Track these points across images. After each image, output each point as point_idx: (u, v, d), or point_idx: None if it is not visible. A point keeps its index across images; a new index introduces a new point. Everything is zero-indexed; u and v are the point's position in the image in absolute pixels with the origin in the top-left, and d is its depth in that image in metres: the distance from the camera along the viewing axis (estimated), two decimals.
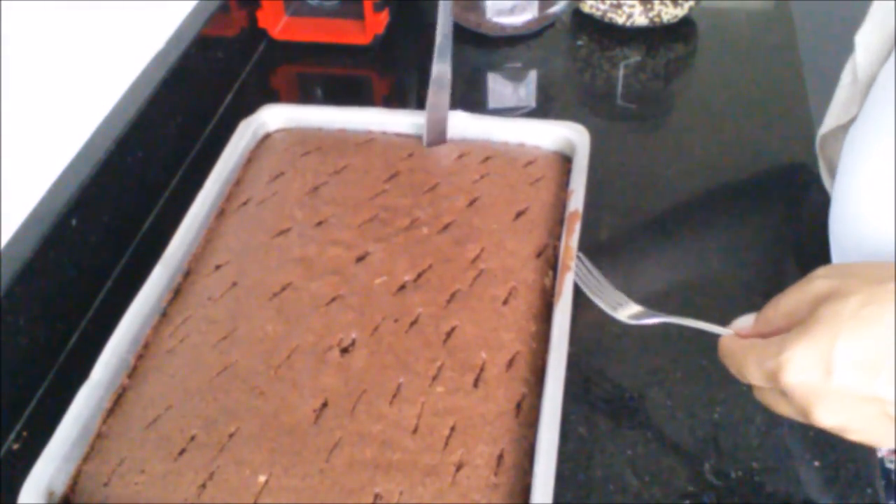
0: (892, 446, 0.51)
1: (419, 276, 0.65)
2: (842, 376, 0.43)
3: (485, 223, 0.68)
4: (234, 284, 0.65)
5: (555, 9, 0.99)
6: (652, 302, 0.69)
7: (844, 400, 0.44)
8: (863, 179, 0.60)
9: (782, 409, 0.48)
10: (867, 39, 0.62)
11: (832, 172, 0.69)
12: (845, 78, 0.65)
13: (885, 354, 0.43)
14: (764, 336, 0.49)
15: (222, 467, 0.54)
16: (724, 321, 0.67)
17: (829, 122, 0.67)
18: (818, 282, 0.46)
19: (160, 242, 0.67)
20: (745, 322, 0.52)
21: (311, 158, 0.76)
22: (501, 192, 0.71)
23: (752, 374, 0.48)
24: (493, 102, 0.92)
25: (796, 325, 0.46)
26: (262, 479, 0.53)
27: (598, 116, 0.89)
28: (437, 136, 0.76)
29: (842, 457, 0.58)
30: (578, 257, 0.64)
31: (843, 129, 0.66)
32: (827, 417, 0.45)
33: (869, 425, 0.45)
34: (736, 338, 0.51)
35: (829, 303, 0.44)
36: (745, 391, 0.62)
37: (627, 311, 0.61)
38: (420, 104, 0.93)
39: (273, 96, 0.83)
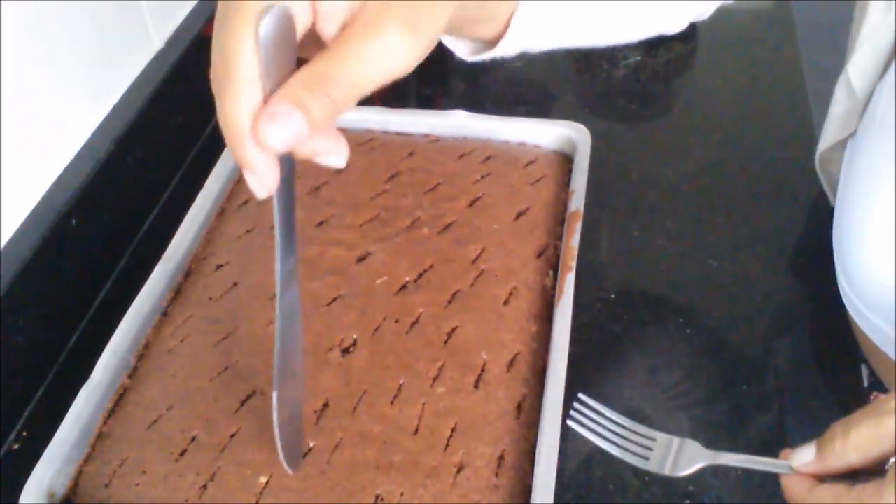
0: None
1: (420, 276, 0.65)
2: None
3: (486, 223, 0.68)
4: (235, 284, 0.65)
5: None
6: (652, 300, 0.69)
7: None
8: (865, 194, 0.59)
9: None
10: (860, 63, 0.62)
11: (833, 187, 0.69)
12: (839, 93, 0.65)
13: None
14: (832, 472, 0.44)
15: (223, 468, 0.54)
16: (724, 323, 0.67)
17: (828, 138, 0.67)
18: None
19: (160, 242, 0.67)
20: (805, 456, 0.45)
21: None
22: (502, 192, 0.71)
23: None
24: (492, 102, 0.92)
25: (871, 461, 0.42)
26: (262, 479, 0.53)
27: (598, 116, 0.89)
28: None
29: None
30: (580, 400, 0.53)
31: (842, 144, 0.66)
32: None
33: None
34: (803, 478, 0.45)
35: None
36: (745, 391, 0.63)
37: (664, 456, 0.49)
38: (420, 104, 0.93)
39: None
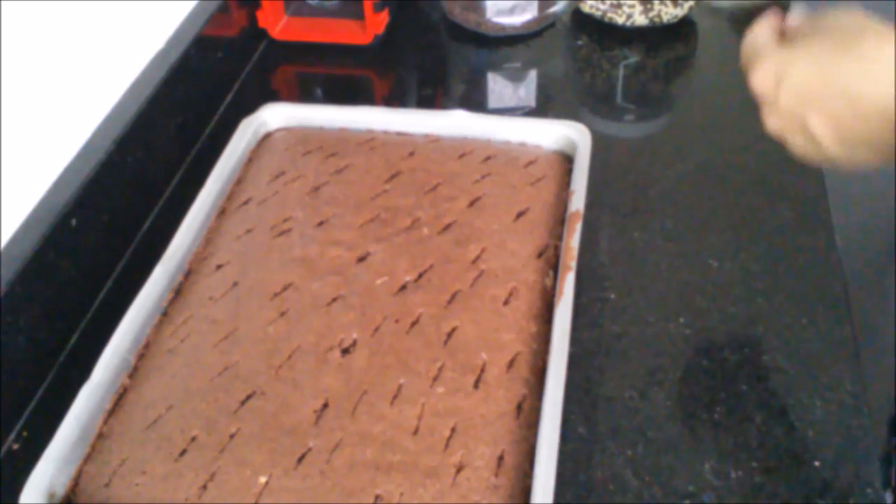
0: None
1: (420, 276, 0.65)
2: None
3: (486, 223, 0.68)
4: (235, 284, 0.65)
5: (555, 9, 0.99)
6: (652, 300, 0.69)
7: None
8: None
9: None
10: None
11: None
12: None
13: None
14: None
15: (223, 468, 0.54)
16: (724, 323, 0.67)
17: None
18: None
19: (160, 242, 0.67)
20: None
21: (312, 158, 0.76)
22: (502, 192, 0.71)
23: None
24: (493, 102, 0.92)
25: None
26: (262, 479, 0.53)
27: (598, 116, 0.89)
28: None
29: (842, 457, 0.58)
30: None
31: None
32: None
33: None
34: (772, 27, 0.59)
35: None
36: (745, 391, 0.63)
37: None
38: (420, 104, 0.93)
39: (273, 96, 0.83)
